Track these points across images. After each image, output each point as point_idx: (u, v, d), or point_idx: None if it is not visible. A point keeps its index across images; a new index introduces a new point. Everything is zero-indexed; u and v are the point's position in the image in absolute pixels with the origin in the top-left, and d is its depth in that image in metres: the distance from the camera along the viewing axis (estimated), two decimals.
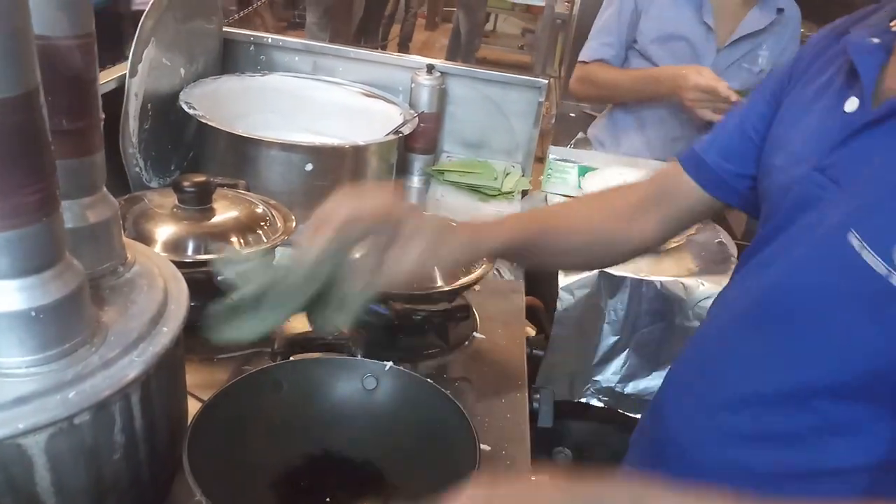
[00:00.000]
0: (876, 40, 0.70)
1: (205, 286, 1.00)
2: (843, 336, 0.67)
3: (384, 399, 0.85)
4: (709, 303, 1.40)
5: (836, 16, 0.80)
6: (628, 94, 1.87)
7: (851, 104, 0.70)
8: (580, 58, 1.91)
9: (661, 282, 1.42)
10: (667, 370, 0.95)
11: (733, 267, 1.49)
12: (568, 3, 5.23)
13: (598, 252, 0.95)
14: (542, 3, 6.33)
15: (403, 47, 6.87)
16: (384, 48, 6.01)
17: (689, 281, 1.43)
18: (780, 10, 1.82)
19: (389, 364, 0.86)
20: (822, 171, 0.71)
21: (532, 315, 1.46)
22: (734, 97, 1.60)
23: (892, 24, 0.72)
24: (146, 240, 1.00)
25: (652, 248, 0.97)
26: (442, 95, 1.69)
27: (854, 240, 0.64)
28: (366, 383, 0.85)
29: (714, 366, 0.80)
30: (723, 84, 1.63)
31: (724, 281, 1.42)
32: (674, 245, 1.51)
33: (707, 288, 1.42)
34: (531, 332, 1.44)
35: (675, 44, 1.83)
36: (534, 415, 1.00)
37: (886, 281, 0.62)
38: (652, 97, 1.80)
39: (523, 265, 0.90)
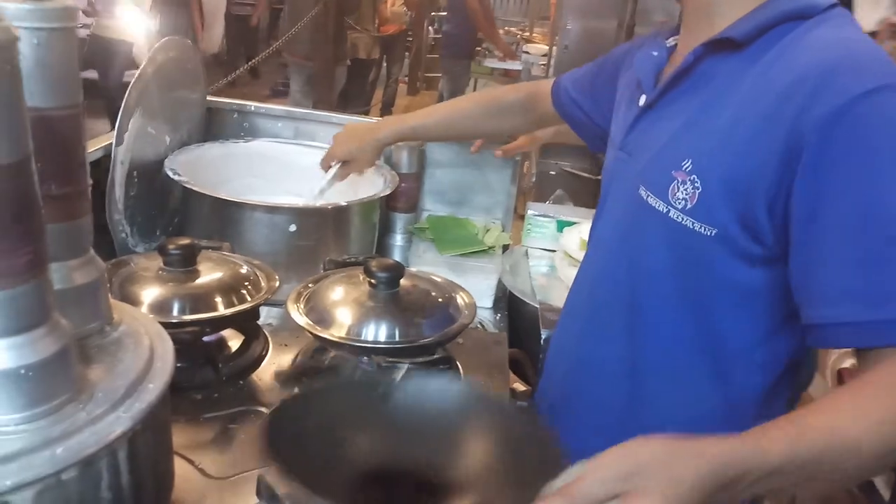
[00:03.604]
0: (655, 53, 0.97)
1: (191, 347, 1.02)
2: (647, 260, 0.90)
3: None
4: None
5: None
6: None
7: (642, 100, 0.95)
8: None
9: None
10: None
11: None
12: (543, 65, 5.39)
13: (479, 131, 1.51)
14: (519, 68, 6.52)
15: (386, 112, 7.01)
16: (367, 113, 6.14)
17: None
18: None
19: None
20: (623, 149, 0.97)
21: (518, 368, 1.48)
22: None
23: (668, 41, 0.98)
24: (132, 302, 1.02)
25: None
26: (421, 156, 1.74)
27: (642, 191, 0.89)
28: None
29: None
30: None
31: None
32: None
33: None
34: (520, 386, 1.44)
35: None
36: None
37: (665, 215, 0.85)
38: None
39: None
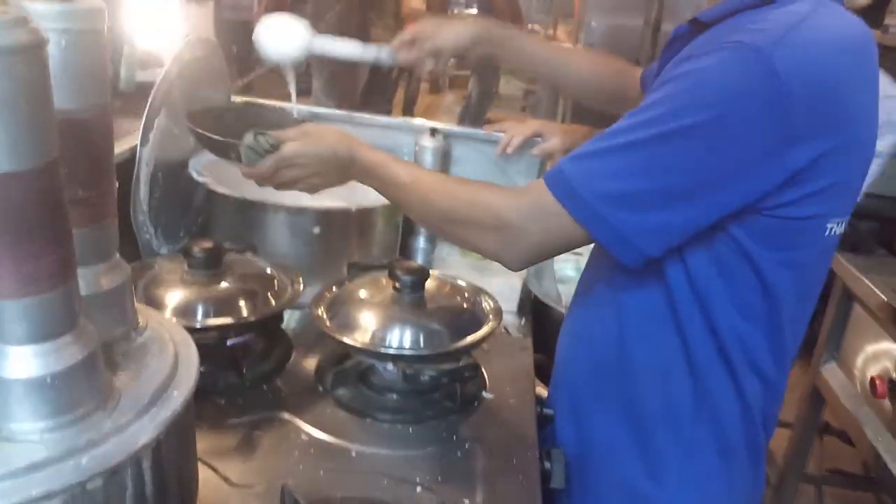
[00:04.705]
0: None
1: (214, 351, 1.01)
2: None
3: None
4: None
5: None
6: None
7: None
8: None
9: None
10: None
11: None
12: None
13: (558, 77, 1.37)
14: None
15: (408, 110, 6.98)
16: (389, 112, 6.12)
17: None
18: None
19: None
20: None
21: (544, 373, 1.46)
22: None
23: None
24: (157, 305, 1.02)
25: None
26: (445, 157, 1.72)
27: None
28: None
29: None
30: None
31: None
32: None
33: None
34: (545, 392, 1.42)
35: None
36: (545, 475, 0.99)
37: None
38: None
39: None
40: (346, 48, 1.29)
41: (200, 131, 1.16)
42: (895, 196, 2.09)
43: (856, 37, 0.84)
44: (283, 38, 1.21)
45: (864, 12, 3.78)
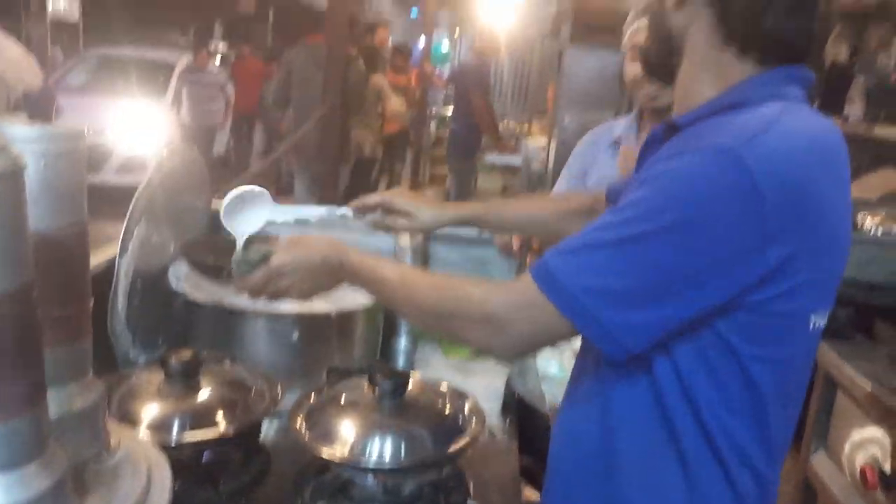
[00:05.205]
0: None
1: (190, 466, 0.98)
2: None
3: None
4: None
5: None
6: None
7: None
8: None
9: None
10: None
11: None
12: (541, 163, 5.49)
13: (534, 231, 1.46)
14: (520, 164, 6.66)
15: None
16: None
17: None
18: None
19: None
20: None
21: (531, 476, 1.42)
22: None
23: None
24: (132, 419, 0.99)
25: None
26: (425, 257, 1.74)
27: None
28: None
29: None
30: None
31: None
32: None
33: None
34: (532, 495, 1.38)
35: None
36: None
37: None
38: None
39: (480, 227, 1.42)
40: (307, 211, 1.31)
41: (194, 259, 1.23)
42: (869, 282, 2.13)
43: (824, 137, 0.87)
44: (247, 214, 1.21)
45: (824, 101, 3.94)
